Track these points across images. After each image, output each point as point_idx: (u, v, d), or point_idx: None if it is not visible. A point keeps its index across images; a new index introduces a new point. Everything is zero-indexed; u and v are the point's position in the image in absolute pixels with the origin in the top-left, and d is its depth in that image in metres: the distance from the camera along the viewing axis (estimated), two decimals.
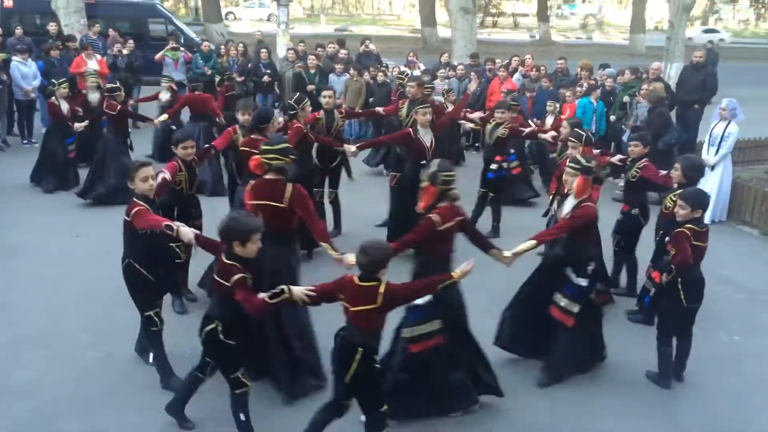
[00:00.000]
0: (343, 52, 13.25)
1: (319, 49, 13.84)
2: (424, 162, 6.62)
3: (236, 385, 4.14)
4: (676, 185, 5.74)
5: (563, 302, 5.06)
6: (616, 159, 6.83)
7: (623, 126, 10.41)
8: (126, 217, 4.59)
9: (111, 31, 14.24)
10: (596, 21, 45.51)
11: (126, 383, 4.93)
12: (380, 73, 11.97)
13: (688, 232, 4.91)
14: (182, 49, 13.21)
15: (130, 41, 12.94)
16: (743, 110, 8.92)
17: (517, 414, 4.81)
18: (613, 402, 5.02)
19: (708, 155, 8.90)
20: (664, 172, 6.19)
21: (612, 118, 10.56)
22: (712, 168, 8.82)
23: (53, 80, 9.38)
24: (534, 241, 4.91)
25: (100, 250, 7.24)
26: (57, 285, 6.43)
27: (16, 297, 6.17)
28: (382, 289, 3.75)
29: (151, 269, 4.73)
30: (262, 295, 3.83)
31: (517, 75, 12.41)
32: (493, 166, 7.79)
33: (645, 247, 6.46)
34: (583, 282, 5.03)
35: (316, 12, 52.29)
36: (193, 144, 5.86)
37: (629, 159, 6.49)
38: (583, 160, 5.16)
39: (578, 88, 11.01)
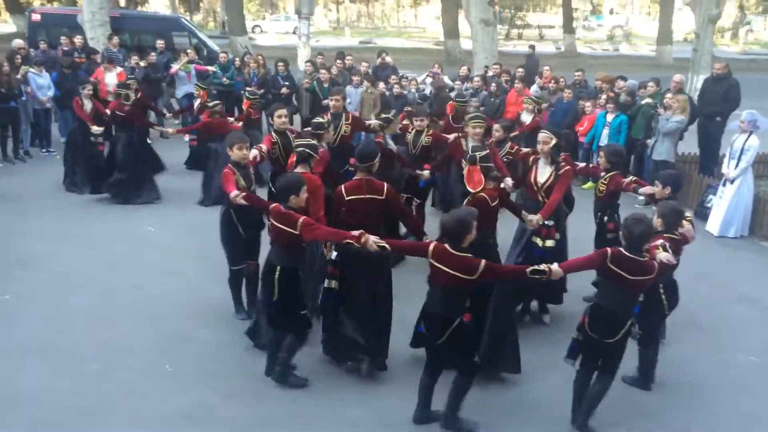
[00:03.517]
0: (364, 65, 13.29)
1: (338, 61, 13.86)
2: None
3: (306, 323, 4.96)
4: (603, 172, 6.38)
5: None
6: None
7: (647, 141, 10.19)
8: (287, 228, 4.73)
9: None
10: (623, 32, 45.03)
11: (124, 396, 4.92)
12: (396, 85, 11.92)
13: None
14: (194, 61, 13.41)
15: (152, 54, 13.10)
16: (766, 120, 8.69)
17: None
18: (615, 415, 4.87)
19: (728, 168, 8.70)
20: (582, 164, 7.06)
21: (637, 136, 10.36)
22: (732, 181, 8.62)
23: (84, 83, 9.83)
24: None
25: (111, 262, 7.33)
26: (66, 295, 6.47)
27: (25, 306, 6.22)
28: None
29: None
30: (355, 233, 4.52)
31: (534, 87, 12.28)
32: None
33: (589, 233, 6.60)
34: None
35: (341, 25, 52.65)
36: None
37: None
38: (475, 153, 5.32)
39: (597, 100, 10.90)
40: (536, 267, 4.29)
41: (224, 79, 12.68)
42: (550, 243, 5.99)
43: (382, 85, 12.28)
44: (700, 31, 18.42)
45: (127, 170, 9.12)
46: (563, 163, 6.10)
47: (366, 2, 59.14)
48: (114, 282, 6.81)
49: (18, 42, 12.59)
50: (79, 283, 6.76)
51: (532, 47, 17.95)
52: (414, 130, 7.80)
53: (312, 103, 12.38)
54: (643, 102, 10.36)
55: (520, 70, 12.75)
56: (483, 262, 4.24)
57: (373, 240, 4.48)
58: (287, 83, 12.72)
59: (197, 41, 18.17)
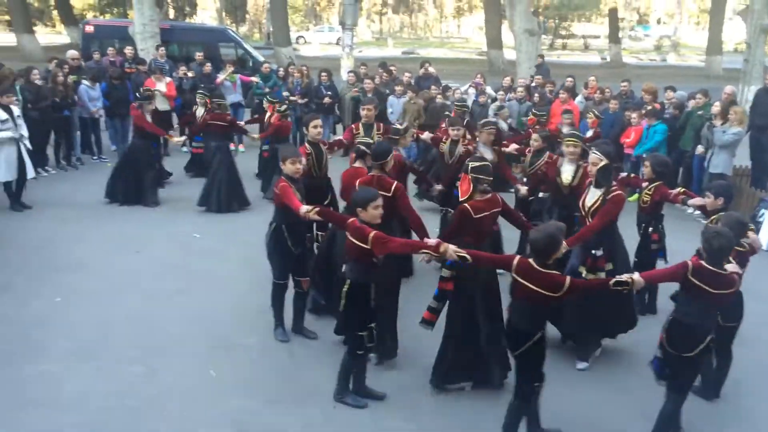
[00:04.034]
0: (407, 75, 13.35)
1: (384, 74, 13.93)
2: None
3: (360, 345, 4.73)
4: (646, 182, 6.33)
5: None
6: (511, 148, 7.91)
7: (696, 152, 9.95)
8: (359, 242, 4.54)
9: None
10: (671, 42, 44.19)
11: (168, 400, 5.00)
12: (439, 95, 11.93)
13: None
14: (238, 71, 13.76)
15: (208, 65, 13.33)
16: None
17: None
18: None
19: None
20: (623, 175, 7.06)
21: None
22: None
23: (144, 90, 10.03)
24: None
25: (157, 267, 7.48)
26: (112, 299, 6.61)
27: (72, 311, 6.37)
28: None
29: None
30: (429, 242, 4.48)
31: (579, 98, 12.13)
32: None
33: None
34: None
35: (384, 36, 52.96)
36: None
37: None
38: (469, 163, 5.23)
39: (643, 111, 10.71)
40: (619, 278, 4.21)
41: (266, 89, 12.96)
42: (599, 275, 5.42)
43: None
44: (752, 41, 17.93)
45: (223, 178, 9.46)
46: (614, 188, 5.55)
47: (409, 13, 59.40)
48: (160, 287, 6.94)
49: (72, 53, 13.00)
50: (125, 288, 6.90)
51: (541, 56, 17.82)
52: (450, 140, 7.67)
53: (354, 112, 12.48)
54: (689, 110, 10.13)
55: (569, 79, 12.62)
56: (568, 278, 4.16)
57: (453, 249, 4.37)
58: (330, 93, 12.86)
59: (243, 52, 18.56)
